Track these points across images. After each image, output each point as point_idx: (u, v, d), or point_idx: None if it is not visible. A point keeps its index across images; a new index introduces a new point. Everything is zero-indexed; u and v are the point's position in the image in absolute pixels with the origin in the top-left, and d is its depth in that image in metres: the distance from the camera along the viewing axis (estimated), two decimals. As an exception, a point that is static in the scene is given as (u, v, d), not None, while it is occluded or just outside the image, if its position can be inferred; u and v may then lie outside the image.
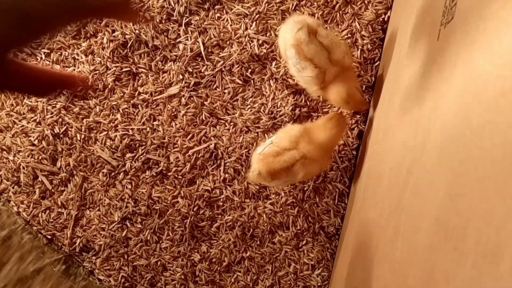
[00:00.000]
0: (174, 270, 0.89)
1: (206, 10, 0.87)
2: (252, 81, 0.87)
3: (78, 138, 0.88)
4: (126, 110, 0.88)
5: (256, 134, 0.87)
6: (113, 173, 0.88)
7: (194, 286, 0.89)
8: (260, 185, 0.87)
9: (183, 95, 0.87)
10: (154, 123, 0.88)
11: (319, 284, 0.87)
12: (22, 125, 0.89)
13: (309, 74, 0.71)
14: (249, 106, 0.87)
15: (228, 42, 0.87)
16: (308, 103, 0.86)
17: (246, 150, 0.87)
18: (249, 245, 0.88)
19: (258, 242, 0.88)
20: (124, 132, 0.88)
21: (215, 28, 0.87)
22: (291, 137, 0.72)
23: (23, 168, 0.89)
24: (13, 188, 0.90)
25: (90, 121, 0.88)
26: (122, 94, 0.88)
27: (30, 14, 0.20)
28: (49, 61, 0.89)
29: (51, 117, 0.88)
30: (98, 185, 0.89)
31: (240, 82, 0.87)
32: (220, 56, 0.87)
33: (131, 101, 0.88)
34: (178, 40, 0.87)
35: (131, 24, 0.87)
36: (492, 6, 0.36)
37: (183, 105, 0.87)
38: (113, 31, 0.88)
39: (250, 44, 0.86)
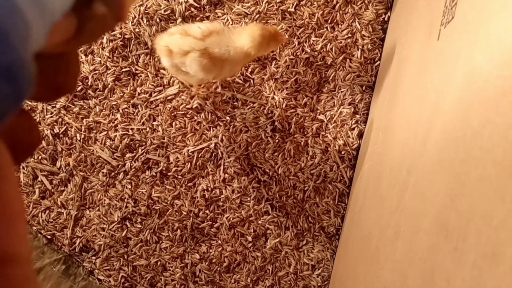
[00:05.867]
0: (174, 270, 0.89)
1: (206, 10, 0.87)
2: (252, 81, 0.87)
3: (78, 138, 0.88)
4: (126, 110, 0.88)
5: (256, 134, 0.87)
6: (113, 173, 0.88)
7: (194, 286, 0.89)
8: (259, 184, 0.87)
9: (183, 95, 0.87)
10: (154, 123, 0.88)
11: (319, 284, 0.87)
12: (22, 125, 0.89)
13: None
14: (249, 106, 0.87)
15: (228, 42, 0.87)
16: (307, 101, 0.86)
17: (245, 149, 0.87)
18: (249, 245, 0.88)
19: (258, 242, 0.88)
20: (124, 132, 0.88)
21: (215, 28, 0.87)
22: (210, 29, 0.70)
23: (23, 168, 0.89)
24: (13, 188, 0.89)
25: (90, 121, 0.88)
26: (122, 94, 0.88)
27: None
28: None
29: (51, 117, 0.88)
30: (98, 185, 0.89)
31: (240, 82, 0.87)
32: (220, 56, 0.87)
33: (131, 101, 0.88)
34: (178, 40, 0.87)
35: (130, 24, 0.87)
36: (492, 6, 0.36)
37: (182, 105, 0.87)
38: (113, 30, 0.88)
39: (250, 44, 0.86)
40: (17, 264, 0.17)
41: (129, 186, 0.88)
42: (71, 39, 0.20)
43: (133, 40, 0.87)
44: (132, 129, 0.88)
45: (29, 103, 0.89)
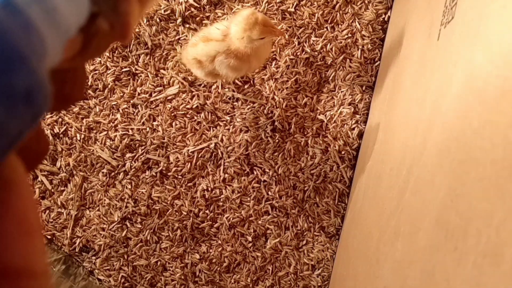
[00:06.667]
0: (174, 270, 0.89)
1: (206, 10, 0.87)
2: (252, 81, 0.87)
3: (78, 138, 0.88)
4: (126, 110, 0.88)
5: (256, 134, 0.87)
6: (113, 173, 0.88)
7: (194, 286, 0.89)
8: (259, 184, 0.87)
9: (183, 95, 0.87)
10: (154, 123, 0.88)
11: (319, 284, 0.87)
12: (22, 125, 0.89)
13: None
14: (249, 106, 0.87)
15: (228, 42, 0.87)
16: (306, 101, 0.86)
17: (245, 149, 0.87)
18: (249, 245, 0.88)
19: (258, 242, 0.88)
20: (124, 132, 0.88)
21: (215, 28, 0.87)
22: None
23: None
24: (13, 188, 0.89)
25: (90, 121, 0.88)
26: (122, 94, 0.88)
27: None
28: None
29: (51, 117, 0.88)
30: (98, 185, 0.89)
31: (240, 82, 0.87)
32: (220, 56, 0.87)
33: (131, 101, 0.88)
34: (178, 39, 0.87)
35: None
36: (492, 6, 0.36)
37: (182, 105, 0.87)
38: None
39: (250, 44, 0.86)
40: (33, 278, 0.17)
41: (129, 186, 0.88)
42: (77, 55, 0.20)
43: (133, 40, 0.87)
44: (132, 129, 0.88)
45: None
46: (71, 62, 0.20)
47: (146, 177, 0.88)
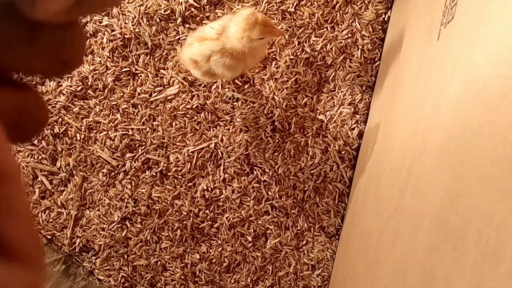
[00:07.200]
0: (174, 270, 0.89)
1: (206, 10, 0.87)
2: (252, 81, 0.87)
3: (78, 138, 0.88)
4: (126, 110, 0.88)
5: (256, 134, 0.87)
6: (113, 173, 0.88)
7: (194, 286, 0.89)
8: (259, 184, 0.87)
9: (183, 95, 0.87)
10: (154, 123, 0.88)
11: (319, 284, 0.87)
12: (22, 125, 0.89)
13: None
14: (249, 106, 0.87)
15: (228, 42, 0.87)
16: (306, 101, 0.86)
17: (245, 149, 0.87)
18: (249, 245, 0.88)
19: (258, 242, 0.88)
20: (124, 132, 0.88)
21: (215, 28, 0.87)
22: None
23: (23, 168, 0.89)
24: (13, 188, 0.89)
25: (90, 121, 0.88)
26: (122, 94, 0.88)
27: None
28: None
29: (51, 117, 0.88)
30: (98, 185, 0.89)
31: (239, 82, 0.87)
32: (220, 56, 0.87)
33: (131, 101, 0.88)
34: (178, 39, 0.87)
35: (130, 24, 0.87)
36: (492, 6, 0.36)
37: (182, 105, 0.87)
38: (113, 30, 0.88)
39: (250, 44, 0.86)
40: (8, 181, 0.17)
41: (129, 186, 0.88)
42: (71, 8, 0.20)
43: (133, 40, 0.87)
44: (132, 129, 0.88)
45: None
46: (66, 16, 0.20)
47: (146, 177, 0.88)
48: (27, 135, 0.20)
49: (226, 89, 0.87)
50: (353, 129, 0.86)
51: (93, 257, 0.89)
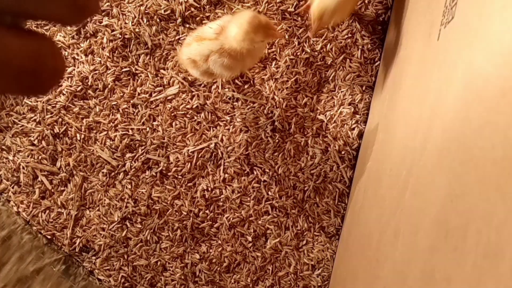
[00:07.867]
0: (174, 270, 0.89)
1: (206, 10, 0.87)
2: (252, 81, 0.87)
3: (78, 138, 0.88)
4: (126, 110, 0.88)
5: (256, 134, 0.87)
6: (113, 173, 0.88)
7: (194, 286, 0.89)
8: (259, 184, 0.87)
9: (183, 95, 0.87)
10: (154, 123, 0.88)
11: (319, 284, 0.87)
12: (22, 125, 0.89)
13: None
14: (249, 106, 0.87)
15: (228, 42, 0.87)
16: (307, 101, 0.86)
17: (245, 149, 0.87)
18: (249, 245, 0.88)
19: (258, 242, 0.88)
20: (124, 132, 0.88)
21: (215, 28, 0.87)
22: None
23: (23, 168, 0.89)
24: (13, 188, 0.90)
25: (90, 121, 0.88)
26: (122, 94, 0.88)
27: None
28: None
29: (51, 117, 0.88)
30: (98, 185, 0.89)
31: (239, 82, 0.87)
32: (220, 56, 0.87)
33: (131, 101, 0.88)
34: (178, 39, 0.87)
35: (130, 24, 0.87)
36: (492, 6, 0.36)
37: (182, 105, 0.87)
38: (113, 30, 0.88)
39: (250, 44, 0.86)
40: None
41: (129, 186, 0.88)
42: None
43: (133, 40, 0.87)
44: (132, 129, 0.88)
45: (29, 102, 0.89)
46: None
47: (146, 177, 0.88)
48: (44, 84, 0.20)
49: (226, 89, 0.87)
50: (353, 129, 0.86)
51: (93, 257, 0.89)
